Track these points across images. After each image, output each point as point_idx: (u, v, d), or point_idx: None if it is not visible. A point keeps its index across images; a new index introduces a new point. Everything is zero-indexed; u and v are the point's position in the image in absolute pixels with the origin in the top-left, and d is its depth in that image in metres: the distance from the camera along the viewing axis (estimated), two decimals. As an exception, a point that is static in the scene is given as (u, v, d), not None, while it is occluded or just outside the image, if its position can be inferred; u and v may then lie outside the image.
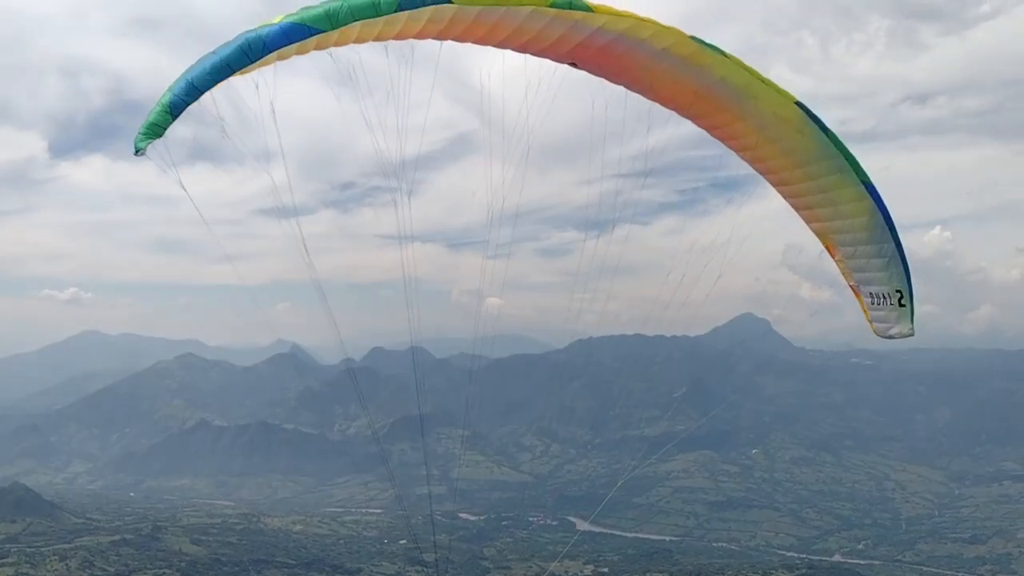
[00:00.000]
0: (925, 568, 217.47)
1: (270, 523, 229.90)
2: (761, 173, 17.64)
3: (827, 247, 17.35)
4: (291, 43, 12.86)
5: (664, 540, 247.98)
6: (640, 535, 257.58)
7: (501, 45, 14.78)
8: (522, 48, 15.04)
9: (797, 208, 17.38)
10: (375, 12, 12.48)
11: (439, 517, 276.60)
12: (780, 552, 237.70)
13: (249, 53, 13.08)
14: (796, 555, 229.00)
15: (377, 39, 13.95)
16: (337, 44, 13.89)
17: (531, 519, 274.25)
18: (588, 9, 13.16)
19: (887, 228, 15.93)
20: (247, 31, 13.46)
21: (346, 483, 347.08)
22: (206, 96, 14.35)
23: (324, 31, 12.97)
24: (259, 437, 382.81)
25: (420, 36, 14.03)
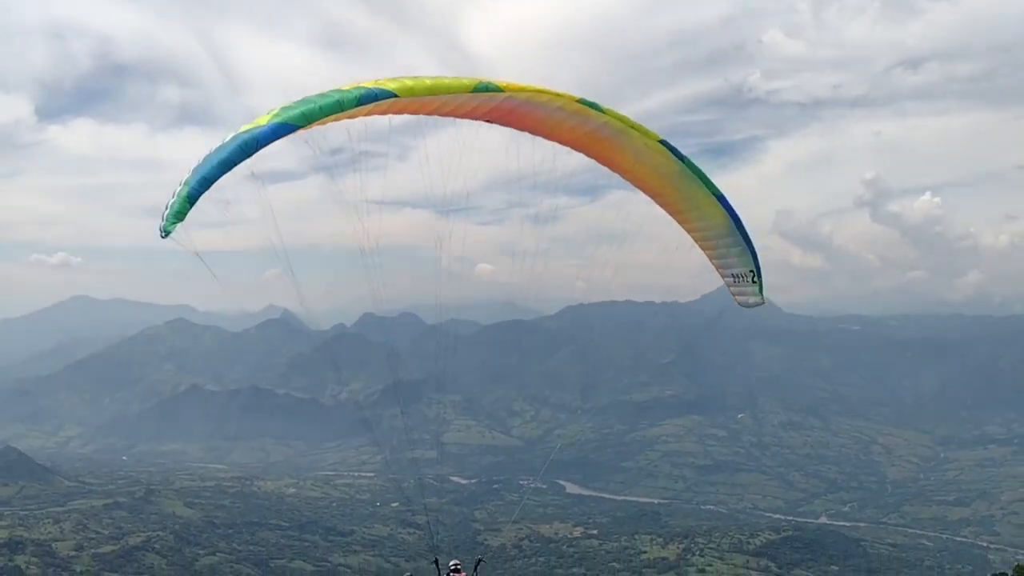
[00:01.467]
0: (910, 530, 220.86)
1: (263, 486, 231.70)
2: (643, 191, 21.62)
3: (697, 243, 21.83)
4: (278, 139, 16.47)
5: (652, 503, 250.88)
6: (629, 498, 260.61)
7: (433, 114, 19.12)
8: (449, 115, 19.20)
9: (672, 215, 21.67)
10: (339, 108, 16.76)
11: (431, 481, 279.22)
12: (767, 514, 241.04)
13: (246, 150, 16.36)
14: (783, 517, 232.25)
15: (341, 120, 17.66)
16: (312, 127, 17.41)
17: (521, 482, 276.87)
18: (499, 90, 18.02)
19: (737, 226, 20.36)
20: (243, 131, 16.78)
21: (338, 447, 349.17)
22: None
23: (303, 127, 16.66)
24: (251, 402, 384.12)
25: (372, 115, 17.97)
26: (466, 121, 19.93)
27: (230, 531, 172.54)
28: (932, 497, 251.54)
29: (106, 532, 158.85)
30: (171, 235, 16.53)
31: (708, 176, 20.33)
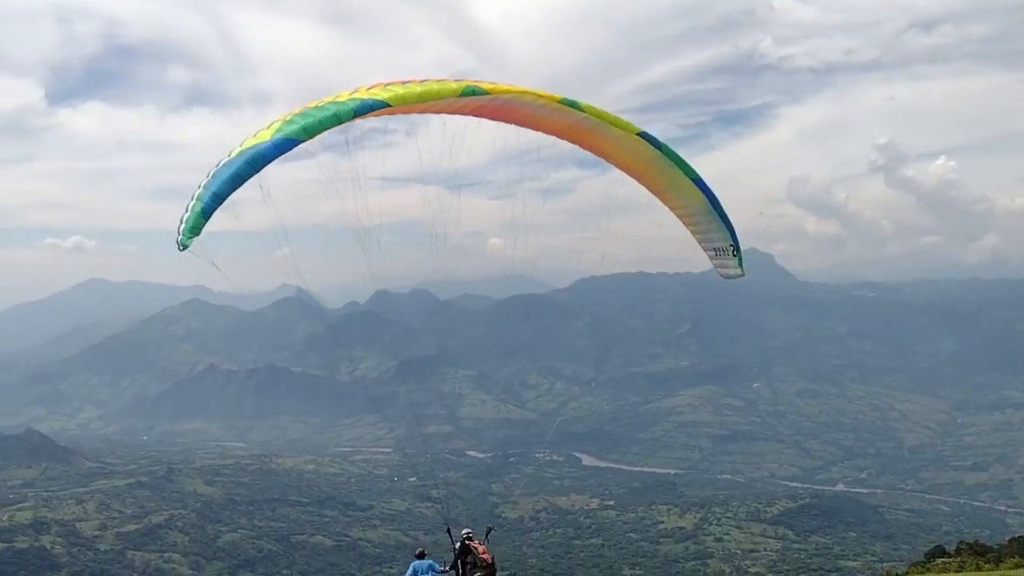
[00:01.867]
0: (927, 496, 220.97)
1: (282, 463, 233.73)
2: (627, 174, 22.97)
3: (680, 219, 23.32)
4: (281, 154, 17.55)
5: (669, 473, 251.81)
6: (645, 469, 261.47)
7: (424, 112, 20.63)
8: (440, 112, 20.74)
9: (655, 196, 23.13)
10: (337, 121, 18.09)
11: (447, 455, 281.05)
12: (784, 483, 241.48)
13: (254, 165, 17.42)
14: (800, 485, 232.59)
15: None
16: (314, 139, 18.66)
17: (537, 455, 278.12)
18: (486, 93, 19.57)
19: (715, 206, 22.08)
20: (248, 146, 17.69)
21: (355, 423, 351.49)
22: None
23: (304, 140, 17.82)
24: (268, 380, 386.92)
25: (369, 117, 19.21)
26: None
27: (251, 508, 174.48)
28: (949, 462, 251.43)
29: (129, 511, 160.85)
30: (188, 248, 17.43)
31: (687, 161, 21.83)
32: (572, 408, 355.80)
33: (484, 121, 21.41)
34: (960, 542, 77.51)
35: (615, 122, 20.81)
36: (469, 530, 21.38)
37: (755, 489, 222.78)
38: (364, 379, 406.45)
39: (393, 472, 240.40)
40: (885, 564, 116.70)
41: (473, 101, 19.83)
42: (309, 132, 17.73)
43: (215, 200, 17.17)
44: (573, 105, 20.24)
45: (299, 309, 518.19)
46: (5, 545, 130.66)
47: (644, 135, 21.03)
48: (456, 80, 19.59)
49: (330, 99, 18.63)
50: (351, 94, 18.68)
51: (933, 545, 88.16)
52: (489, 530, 22.56)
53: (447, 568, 21.59)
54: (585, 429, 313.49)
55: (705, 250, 23.18)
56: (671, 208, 22.89)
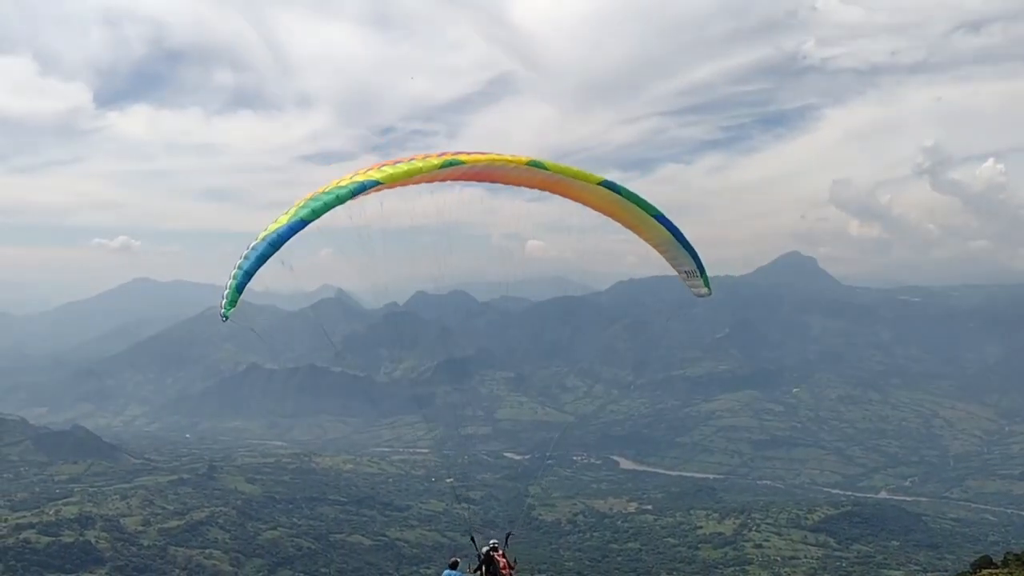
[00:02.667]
0: (973, 504, 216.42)
1: (321, 462, 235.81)
2: (601, 214, 25.50)
3: (654, 248, 25.97)
4: (295, 233, 20.91)
5: (708, 478, 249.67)
6: (684, 473, 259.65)
7: (413, 184, 22.95)
8: (426, 182, 23.02)
9: (631, 230, 25.69)
10: (339, 202, 21.30)
11: (485, 456, 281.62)
12: (825, 489, 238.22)
13: (275, 245, 20.78)
14: (841, 492, 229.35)
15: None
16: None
17: (575, 458, 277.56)
18: (462, 163, 22.39)
19: (677, 237, 24.83)
20: (270, 231, 21.01)
21: (393, 424, 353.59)
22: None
23: (312, 220, 21.07)
24: (308, 379, 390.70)
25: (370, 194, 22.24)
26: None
27: (290, 506, 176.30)
28: (996, 471, 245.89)
29: (171, 508, 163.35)
30: (228, 319, 21.27)
31: (648, 201, 24.65)
32: (610, 411, 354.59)
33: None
34: (1007, 553, 75.74)
35: (578, 175, 23.54)
36: (496, 541, 22.71)
37: (795, 495, 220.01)
38: (403, 380, 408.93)
39: (431, 473, 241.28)
40: (929, 574, 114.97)
41: (455, 171, 22.64)
42: (316, 213, 21.18)
43: (246, 277, 20.94)
44: (539, 166, 23.02)
45: (339, 309, 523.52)
46: (51, 539, 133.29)
47: (605, 183, 23.86)
48: (438, 155, 22.51)
49: (335, 183, 22.03)
50: (352, 177, 22.11)
51: (979, 555, 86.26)
52: (508, 535, 23.40)
53: (473, 572, 22.80)
54: (623, 432, 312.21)
55: (677, 273, 26.21)
56: (644, 240, 25.63)
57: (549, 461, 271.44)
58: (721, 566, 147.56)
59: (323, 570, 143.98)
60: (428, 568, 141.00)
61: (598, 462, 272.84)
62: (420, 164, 21.94)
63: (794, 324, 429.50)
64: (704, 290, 25.98)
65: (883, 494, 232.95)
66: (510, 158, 22.79)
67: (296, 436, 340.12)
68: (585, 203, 25.02)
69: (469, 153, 22.86)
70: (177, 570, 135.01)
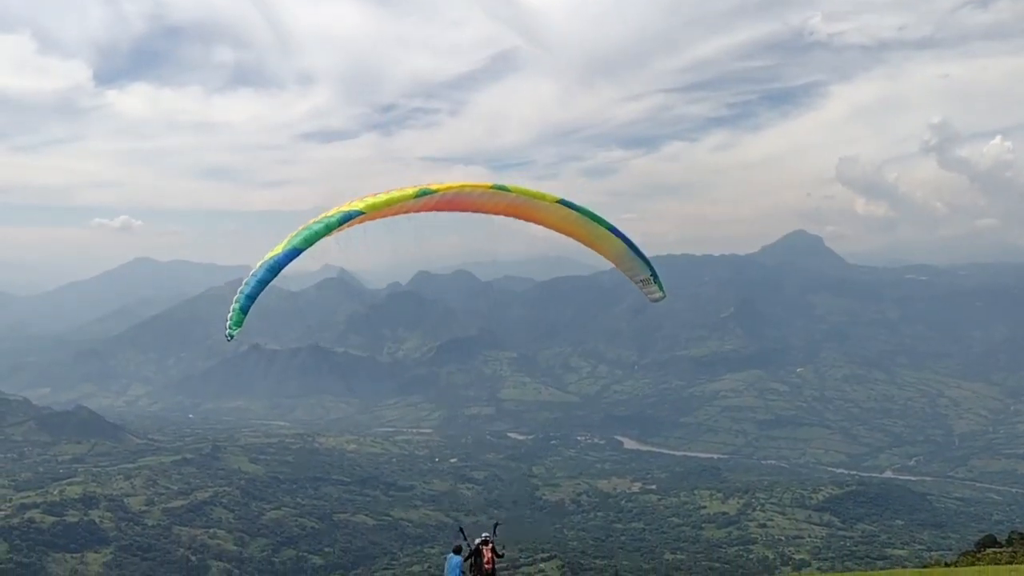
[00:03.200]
0: (978, 484, 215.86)
1: (325, 442, 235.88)
2: (559, 232, 27.11)
3: (609, 260, 27.62)
4: (290, 261, 22.87)
5: (712, 458, 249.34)
6: (688, 453, 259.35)
7: (392, 215, 24.96)
8: (404, 212, 25.03)
9: (588, 246, 27.34)
10: (327, 230, 23.13)
11: (489, 436, 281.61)
12: (830, 469, 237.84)
13: (273, 271, 22.84)
14: (846, 472, 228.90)
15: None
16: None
17: (579, 438, 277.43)
18: (434, 192, 24.38)
19: (631, 247, 26.56)
20: (268, 258, 23.06)
21: (396, 404, 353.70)
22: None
23: (305, 248, 22.87)
24: (311, 360, 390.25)
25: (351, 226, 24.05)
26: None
27: (294, 486, 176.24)
28: (1001, 450, 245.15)
29: (175, 487, 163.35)
30: (234, 337, 23.42)
31: (602, 217, 26.39)
32: (614, 391, 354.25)
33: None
34: (1012, 532, 74.99)
35: (537, 195, 25.79)
36: (487, 534, 23.47)
37: (800, 475, 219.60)
38: (406, 360, 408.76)
39: (434, 453, 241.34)
40: (934, 553, 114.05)
41: (429, 200, 24.68)
42: (308, 242, 23.15)
43: (249, 300, 23.14)
44: (503, 189, 25.31)
45: (342, 289, 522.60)
46: (56, 518, 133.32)
47: (562, 201, 25.93)
48: (413, 187, 24.57)
49: (324, 215, 23.86)
50: (338, 208, 23.94)
51: (984, 535, 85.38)
52: (496, 525, 24.45)
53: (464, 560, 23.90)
54: (627, 412, 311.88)
55: (634, 282, 27.94)
56: (601, 253, 27.45)
57: (553, 442, 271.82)
58: (725, 545, 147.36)
59: (327, 549, 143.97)
60: (432, 547, 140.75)
61: (602, 442, 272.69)
62: (397, 195, 24.08)
63: (799, 303, 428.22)
64: (659, 294, 27.43)
65: (888, 473, 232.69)
66: (476, 184, 25.15)
67: (299, 416, 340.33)
68: (544, 222, 26.88)
69: (440, 183, 25.07)
70: (181, 549, 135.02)
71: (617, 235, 26.41)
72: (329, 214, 23.72)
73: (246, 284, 23.41)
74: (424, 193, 24.18)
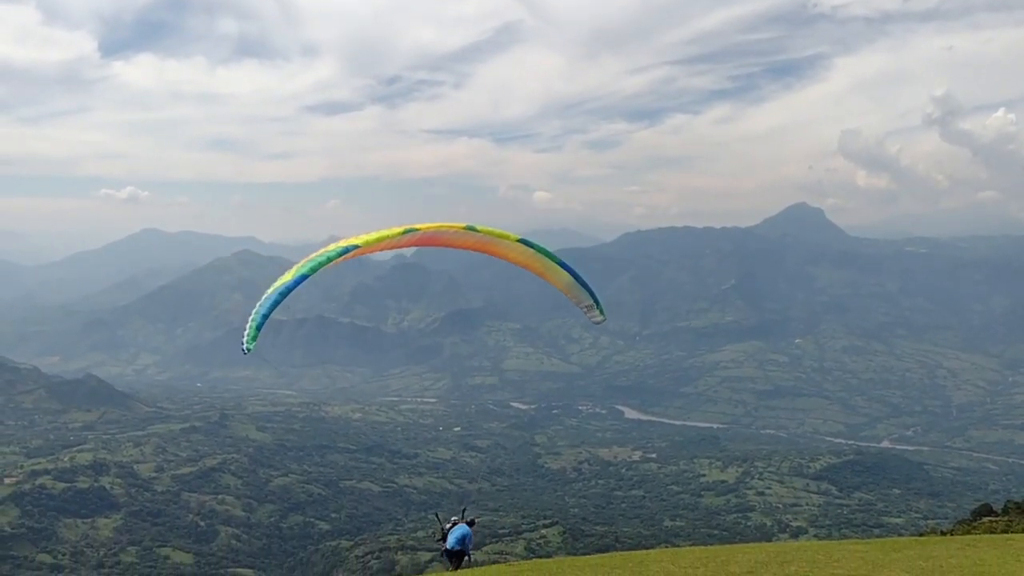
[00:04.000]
0: (975, 453, 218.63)
1: (331, 411, 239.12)
2: (518, 265, 30.50)
3: (559, 290, 31.22)
4: (298, 286, 26.00)
5: (711, 427, 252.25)
6: (688, 423, 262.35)
7: (383, 250, 28.51)
8: (393, 248, 28.64)
9: (542, 276, 31.00)
10: (328, 260, 26.47)
11: (491, 406, 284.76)
12: (828, 438, 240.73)
13: (284, 294, 25.71)
14: (844, 441, 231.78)
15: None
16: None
17: (580, 408, 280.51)
18: (416, 230, 27.77)
19: (576, 279, 30.16)
20: (280, 284, 25.93)
21: (401, 373, 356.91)
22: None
23: (310, 275, 26.22)
24: (317, 330, 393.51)
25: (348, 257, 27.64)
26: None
27: (301, 453, 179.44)
28: (999, 421, 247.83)
29: (184, 455, 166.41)
30: (251, 351, 25.47)
31: (553, 253, 30.06)
32: (616, 362, 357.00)
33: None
34: (1008, 501, 76.61)
35: (501, 235, 29.47)
36: (456, 518, 25.37)
37: (798, 444, 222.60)
38: (410, 330, 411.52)
39: (438, 422, 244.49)
40: (930, 521, 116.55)
41: (412, 236, 28.07)
42: (313, 270, 26.34)
43: (263, 318, 25.51)
44: (473, 229, 28.84)
45: (347, 261, 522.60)
46: (67, 484, 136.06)
47: (522, 240, 29.60)
48: (399, 227, 28.04)
49: (324, 249, 27.24)
50: (337, 244, 27.38)
51: (980, 504, 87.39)
52: (463, 510, 26.36)
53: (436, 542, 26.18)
54: (628, 383, 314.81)
55: (580, 307, 31.63)
56: (552, 282, 31.16)
57: (555, 411, 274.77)
58: (724, 513, 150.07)
59: (333, 515, 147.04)
60: (435, 513, 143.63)
61: (603, 412, 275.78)
62: (386, 233, 27.71)
63: (800, 275, 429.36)
64: (600, 318, 31.00)
65: (885, 443, 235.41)
66: (451, 224, 28.98)
67: (305, 386, 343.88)
68: (507, 256, 30.55)
69: (422, 223, 28.85)
70: (190, 515, 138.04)
71: (565, 268, 30.37)
72: (329, 249, 27.63)
73: (261, 305, 26.00)
74: (409, 231, 27.98)
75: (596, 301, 31.13)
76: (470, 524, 25.24)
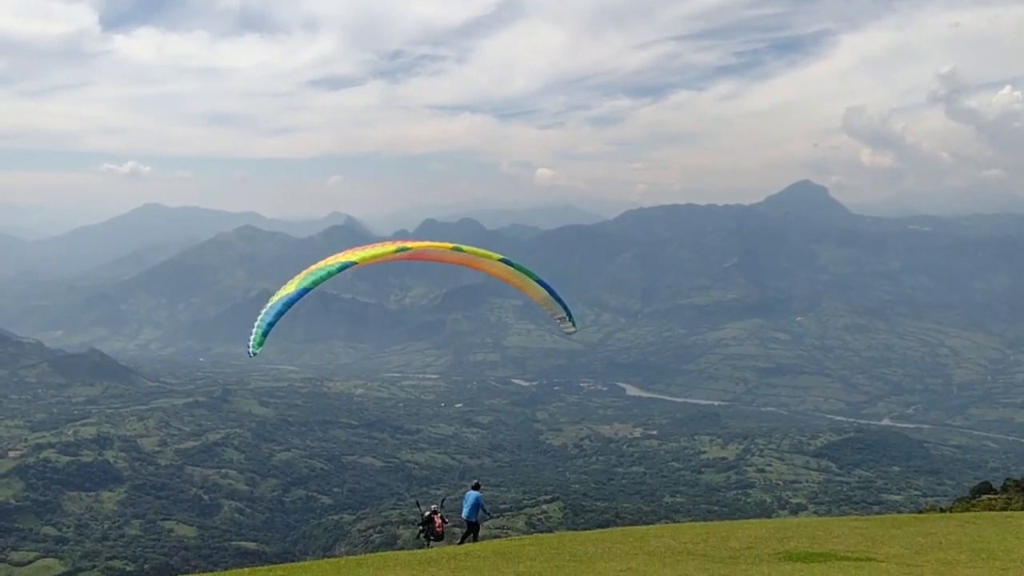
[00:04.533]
0: (975, 432, 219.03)
1: (333, 387, 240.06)
2: (500, 280, 33.20)
3: (538, 302, 33.25)
4: (300, 298, 27.43)
5: (712, 405, 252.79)
6: (689, 400, 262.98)
7: (377, 263, 30.39)
8: (386, 262, 30.46)
9: (522, 290, 33.15)
10: (328, 275, 27.89)
11: (493, 383, 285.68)
12: (828, 416, 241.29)
13: (288, 304, 27.08)
14: (844, 419, 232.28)
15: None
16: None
17: (582, 385, 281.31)
18: (408, 249, 30.02)
19: (552, 293, 32.02)
20: (283, 294, 27.43)
21: (403, 350, 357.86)
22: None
23: (311, 288, 27.47)
24: (319, 306, 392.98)
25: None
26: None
27: (303, 429, 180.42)
28: (1000, 399, 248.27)
29: (187, 429, 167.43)
30: (256, 355, 27.06)
31: (531, 270, 32.54)
32: (618, 339, 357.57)
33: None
34: (1008, 479, 76.97)
35: (484, 254, 31.86)
36: (435, 506, 26.99)
37: (799, 422, 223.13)
38: (412, 307, 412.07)
39: (440, 398, 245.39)
40: (929, 499, 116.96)
41: (405, 254, 30.40)
42: (315, 283, 27.80)
43: (269, 326, 27.09)
44: (459, 249, 31.23)
45: (349, 236, 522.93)
46: (71, 458, 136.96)
47: (504, 260, 31.68)
48: (393, 244, 30.39)
49: (324, 262, 28.79)
50: (335, 258, 28.80)
51: (979, 482, 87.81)
52: (443, 500, 29.99)
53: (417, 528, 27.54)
54: (630, 360, 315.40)
55: (555, 319, 33.39)
56: (530, 295, 33.23)
57: (556, 388, 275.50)
58: (724, 489, 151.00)
59: (336, 490, 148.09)
60: (437, 489, 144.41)
61: (604, 388, 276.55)
62: (382, 250, 29.64)
63: (803, 253, 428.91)
64: (572, 328, 33.09)
65: (886, 421, 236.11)
66: (440, 244, 31.52)
67: (307, 361, 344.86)
68: (490, 272, 32.73)
69: (414, 242, 31.90)
70: (194, 488, 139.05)
71: (542, 284, 32.63)
72: (329, 263, 29.24)
73: (265, 313, 27.65)
74: (402, 250, 30.25)
75: (569, 314, 33.34)
76: (476, 488, 26.33)
